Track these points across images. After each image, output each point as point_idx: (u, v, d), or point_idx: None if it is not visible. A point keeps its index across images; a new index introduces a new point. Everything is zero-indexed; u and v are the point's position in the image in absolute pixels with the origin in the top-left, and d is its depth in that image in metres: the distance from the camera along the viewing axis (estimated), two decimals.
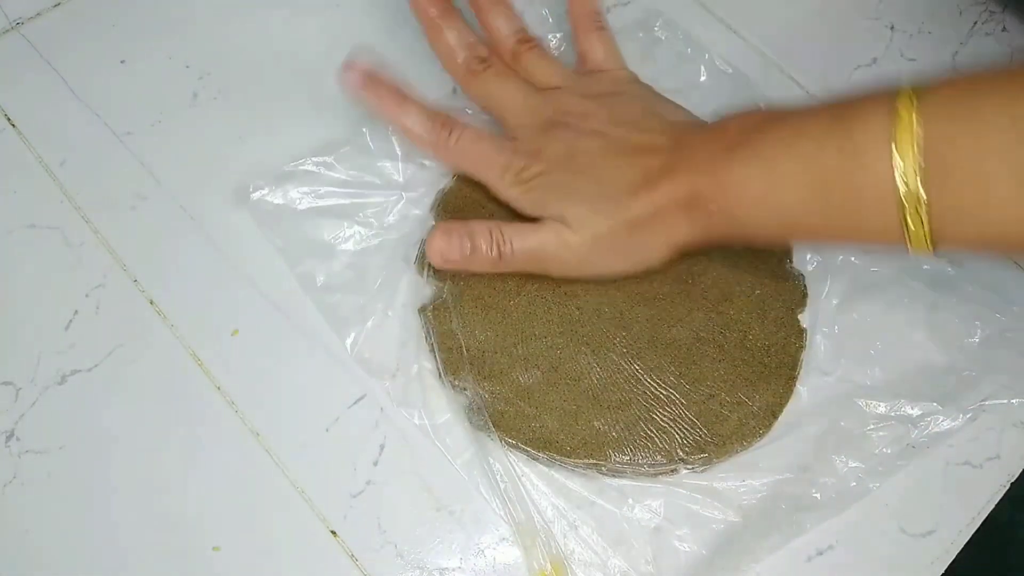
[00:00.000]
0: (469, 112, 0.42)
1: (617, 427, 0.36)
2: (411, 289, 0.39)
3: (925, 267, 0.40)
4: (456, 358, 0.37)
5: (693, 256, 0.38)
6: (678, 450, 0.36)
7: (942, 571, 0.36)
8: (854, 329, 0.39)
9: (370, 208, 0.40)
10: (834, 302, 0.39)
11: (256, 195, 0.40)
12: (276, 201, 0.40)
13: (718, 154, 0.34)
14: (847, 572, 0.35)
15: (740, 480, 0.36)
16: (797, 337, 0.38)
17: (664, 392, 0.37)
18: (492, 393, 0.36)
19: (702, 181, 0.34)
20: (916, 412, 0.37)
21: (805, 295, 0.39)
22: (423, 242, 0.39)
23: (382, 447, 0.36)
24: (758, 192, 0.33)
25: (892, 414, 0.37)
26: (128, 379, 0.37)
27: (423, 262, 0.39)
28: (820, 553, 0.36)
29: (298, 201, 0.40)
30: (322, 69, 0.43)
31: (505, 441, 0.36)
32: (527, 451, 0.36)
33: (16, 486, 0.35)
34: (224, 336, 0.38)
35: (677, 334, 0.38)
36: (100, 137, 0.41)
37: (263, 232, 0.39)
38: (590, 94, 0.39)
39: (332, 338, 0.38)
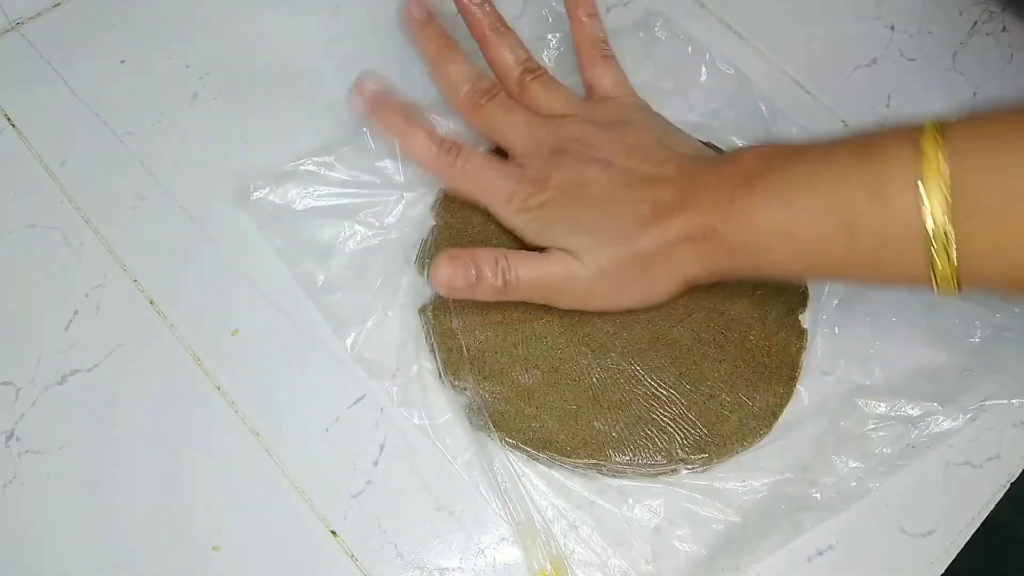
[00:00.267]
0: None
1: (617, 427, 0.36)
2: (411, 289, 0.39)
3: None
4: (456, 358, 0.37)
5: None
6: (678, 450, 0.36)
7: (942, 571, 0.36)
8: (854, 329, 0.39)
9: (370, 208, 0.40)
10: (834, 302, 0.39)
11: (256, 195, 0.40)
12: (276, 201, 0.40)
13: (733, 187, 0.34)
14: (847, 572, 0.35)
15: (740, 480, 0.36)
16: (798, 337, 0.38)
17: (664, 392, 0.37)
18: (492, 393, 0.36)
19: (715, 215, 0.34)
20: (916, 412, 0.37)
21: (805, 295, 0.39)
22: (423, 242, 0.39)
23: (382, 447, 0.36)
24: (776, 227, 0.33)
25: (892, 414, 0.37)
26: (128, 379, 0.37)
27: (423, 262, 0.39)
28: (820, 553, 0.36)
29: (298, 201, 0.40)
30: (322, 69, 0.44)
31: (505, 441, 0.36)
32: (527, 451, 0.36)
33: (16, 486, 0.35)
34: (224, 336, 0.38)
35: (678, 334, 0.38)
36: (100, 137, 0.41)
37: (263, 232, 0.39)
38: (598, 122, 0.38)
39: (332, 338, 0.38)
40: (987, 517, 0.36)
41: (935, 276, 0.30)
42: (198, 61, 0.43)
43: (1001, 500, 0.37)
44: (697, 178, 0.35)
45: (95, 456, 0.36)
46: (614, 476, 0.36)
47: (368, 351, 0.38)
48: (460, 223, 0.39)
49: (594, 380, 0.37)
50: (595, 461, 0.36)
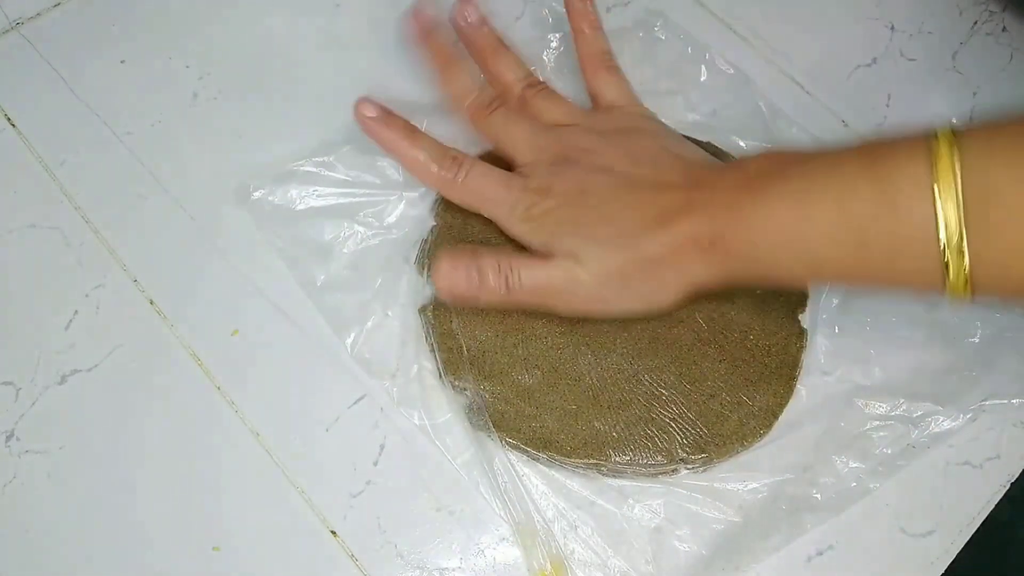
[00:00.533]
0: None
1: (617, 427, 0.36)
2: (411, 289, 0.39)
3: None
4: (456, 358, 0.37)
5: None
6: (678, 450, 0.36)
7: (942, 571, 0.36)
8: (854, 329, 0.39)
9: (370, 208, 0.40)
10: (834, 302, 0.39)
11: (256, 195, 0.40)
12: (276, 201, 0.40)
13: (742, 191, 0.33)
14: (847, 572, 0.35)
15: (740, 480, 0.36)
16: (798, 337, 0.38)
17: (664, 392, 0.37)
18: (492, 393, 0.36)
19: (723, 219, 0.33)
20: (916, 412, 0.37)
21: (805, 295, 0.39)
22: (423, 242, 0.39)
23: (382, 447, 0.36)
24: (785, 232, 0.32)
25: (892, 414, 0.37)
26: (128, 379, 0.37)
27: (423, 262, 0.39)
28: (820, 553, 0.36)
29: (298, 201, 0.40)
30: (322, 69, 0.44)
31: (505, 441, 0.36)
32: (527, 451, 0.36)
33: (16, 486, 0.35)
34: (224, 336, 0.38)
35: (678, 334, 0.38)
36: (100, 137, 0.41)
37: (263, 232, 0.39)
38: (602, 130, 0.38)
39: (332, 338, 0.38)
40: (987, 517, 0.36)
41: (947, 283, 0.30)
42: (198, 61, 0.43)
43: (1001, 500, 0.37)
44: (704, 184, 0.35)
45: (95, 456, 0.36)
46: (614, 476, 0.36)
47: (368, 351, 0.38)
48: (460, 223, 0.39)
49: (594, 380, 0.37)
50: (595, 461, 0.36)
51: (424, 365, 0.38)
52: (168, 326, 0.38)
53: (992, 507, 0.37)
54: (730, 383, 0.37)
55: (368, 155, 0.41)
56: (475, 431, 0.36)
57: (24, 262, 0.39)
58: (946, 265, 0.30)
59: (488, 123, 0.39)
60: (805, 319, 0.39)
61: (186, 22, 0.44)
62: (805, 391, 0.38)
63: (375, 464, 0.36)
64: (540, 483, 0.36)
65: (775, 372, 0.37)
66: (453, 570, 0.35)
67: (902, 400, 0.37)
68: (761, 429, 0.37)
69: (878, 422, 0.37)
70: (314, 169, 0.40)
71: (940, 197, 0.29)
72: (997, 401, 0.38)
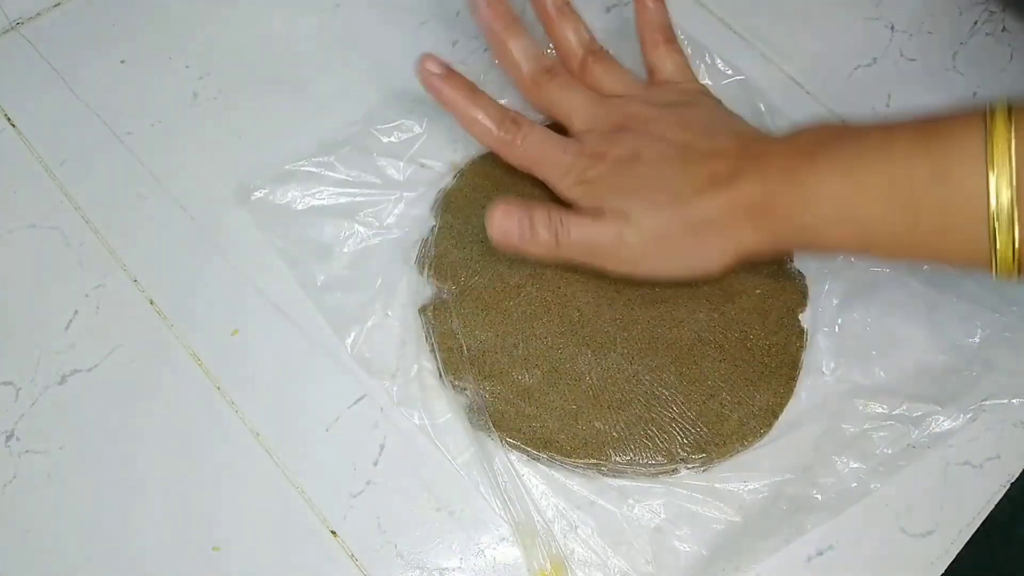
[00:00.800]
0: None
1: (617, 427, 0.36)
2: (411, 289, 0.39)
3: (925, 267, 0.40)
4: (456, 358, 0.37)
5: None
6: (678, 450, 0.36)
7: (942, 571, 0.35)
8: (854, 329, 0.39)
9: (370, 208, 0.40)
10: (834, 302, 0.39)
11: (256, 195, 0.40)
12: (276, 201, 0.40)
13: (795, 160, 0.34)
14: (847, 572, 0.35)
15: (740, 480, 0.36)
16: (798, 337, 0.38)
17: (665, 392, 0.37)
18: (492, 393, 0.36)
19: (775, 184, 0.34)
20: (916, 412, 0.37)
21: (805, 295, 0.39)
22: (423, 242, 0.39)
23: (382, 447, 0.36)
24: (837, 199, 0.33)
25: (892, 414, 0.37)
26: (128, 379, 0.37)
27: (423, 262, 0.39)
28: (820, 553, 0.35)
29: (298, 201, 0.40)
30: (322, 69, 0.44)
31: (505, 441, 0.36)
32: (527, 451, 0.36)
33: (16, 486, 0.35)
34: (224, 336, 0.38)
35: (678, 334, 0.38)
36: (100, 137, 0.41)
37: (263, 232, 0.39)
38: (658, 103, 0.38)
39: (332, 338, 0.38)
40: (987, 517, 0.36)
41: (995, 258, 0.30)
42: (198, 61, 0.43)
43: (1001, 500, 0.37)
44: (757, 151, 0.35)
45: (95, 456, 0.36)
46: (614, 476, 0.36)
47: (368, 351, 0.38)
48: (460, 223, 0.39)
49: (594, 380, 0.37)
50: (595, 461, 0.36)
51: (424, 365, 0.38)
52: (168, 326, 0.38)
53: (992, 507, 0.37)
54: (730, 383, 0.37)
55: (368, 155, 0.41)
56: (475, 431, 0.36)
57: (24, 262, 0.39)
58: (995, 240, 0.30)
59: (545, 91, 0.39)
60: (805, 319, 0.39)
61: (186, 22, 0.44)
62: (805, 391, 0.38)
63: (375, 464, 0.36)
64: (540, 483, 0.36)
65: (775, 372, 0.37)
66: (453, 570, 0.35)
67: (902, 400, 0.37)
68: (761, 429, 0.37)
69: (878, 422, 0.37)
70: (314, 169, 0.40)
71: (994, 172, 0.29)
72: (997, 401, 0.38)
